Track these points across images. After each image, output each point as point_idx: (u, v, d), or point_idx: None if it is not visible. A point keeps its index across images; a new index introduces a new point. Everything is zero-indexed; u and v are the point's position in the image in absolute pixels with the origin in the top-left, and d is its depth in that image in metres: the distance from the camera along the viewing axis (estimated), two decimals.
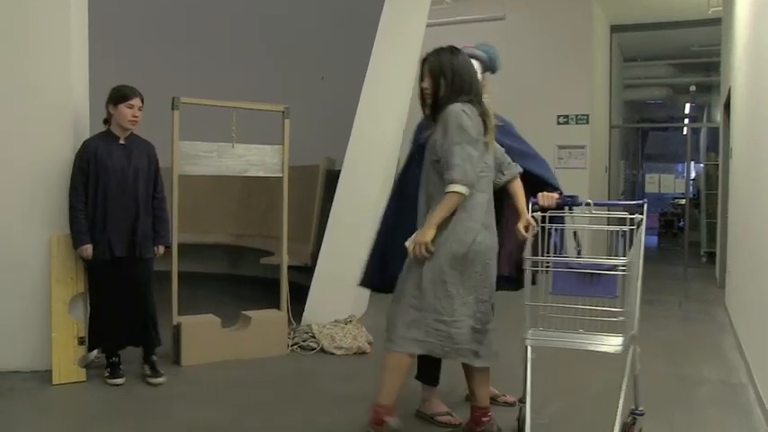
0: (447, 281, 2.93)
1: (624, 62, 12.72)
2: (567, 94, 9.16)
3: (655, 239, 14.78)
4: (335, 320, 5.16)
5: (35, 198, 4.13)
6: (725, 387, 4.18)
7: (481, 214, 2.99)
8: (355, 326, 5.09)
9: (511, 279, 3.51)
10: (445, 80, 3.02)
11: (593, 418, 3.53)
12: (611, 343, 2.89)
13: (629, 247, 2.90)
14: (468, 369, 3.14)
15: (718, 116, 10.03)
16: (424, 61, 3.12)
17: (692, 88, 13.01)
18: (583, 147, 9.16)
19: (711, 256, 10.11)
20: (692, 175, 12.90)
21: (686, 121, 16.92)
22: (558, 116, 9.25)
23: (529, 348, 2.96)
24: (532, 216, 3.10)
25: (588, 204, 3.07)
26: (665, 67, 12.94)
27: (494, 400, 3.69)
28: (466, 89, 3.02)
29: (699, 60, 12.30)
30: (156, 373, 4.07)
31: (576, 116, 9.25)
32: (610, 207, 3.20)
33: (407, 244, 2.97)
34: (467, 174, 2.87)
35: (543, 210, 3.12)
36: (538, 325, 3.01)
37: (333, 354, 4.76)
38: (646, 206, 2.96)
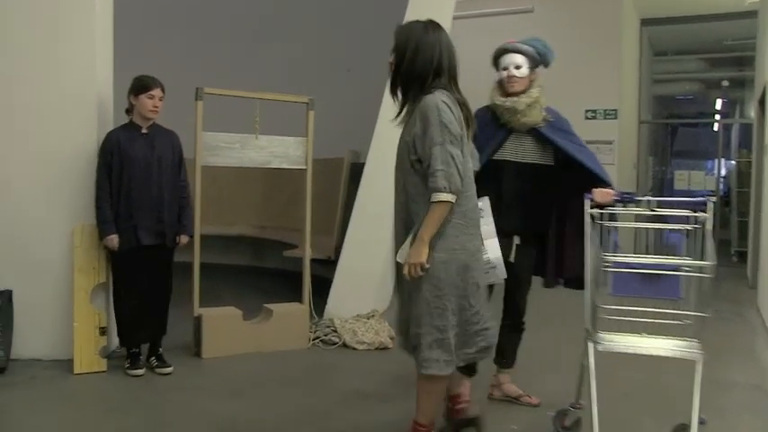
0: (461, 294, 2.69)
1: (654, 56, 12.49)
2: (595, 89, 9.00)
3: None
4: (358, 315, 5.11)
5: (58, 188, 4.14)
6: (758, 391, 4.05)
7: (473, 215, 2.77)
8: (378, 321, 5.04)
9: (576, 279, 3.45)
10: (407, 56, 2.70)
11: (622, 419, 3.44)
12: (689, 348, 2.73)
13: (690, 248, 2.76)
14: None
15: (752, 112, 9.80)
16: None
17: (725, 83, 12.75)
18: (611, 142, 8.99)
19: (742, 255, 9.90)
20: (723, 172, 12.64)
21: (717, 116, 16.61)
22: (586, 111, 9.10)
23: (592, 353, 2.81)
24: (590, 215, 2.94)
25: (649, 202, 2.90)
26: (697, 62, 12.68)
27: (516, 399, 3.62)
28: (433, 72, 2.69)
29: (732, 54, 12.02)
30: (164, 364, 4.07)
31: (605, 111, 9.09)
32: (670, 205, 2.94)
33: (399, 260, 2.70)
34: (452, 179, 2.57)
35: (600, 206, 2.98)
36: (597, 328, 2.84)
37: (354, 349, 4.71)
38: (711, 204, 2.75)
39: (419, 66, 2.70)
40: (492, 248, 3.33)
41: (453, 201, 2.61)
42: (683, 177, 11.88)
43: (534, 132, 3.41)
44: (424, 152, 2.62)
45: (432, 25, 2.77)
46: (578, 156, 3.39)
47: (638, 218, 3.12)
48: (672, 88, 14.09)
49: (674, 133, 19.12)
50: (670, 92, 14.42)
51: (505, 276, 3.39)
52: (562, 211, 3.53)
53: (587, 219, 2.94)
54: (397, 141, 2.85)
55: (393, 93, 2.84)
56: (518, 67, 3.37)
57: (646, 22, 10.60)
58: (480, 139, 3.48)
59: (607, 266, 2.80)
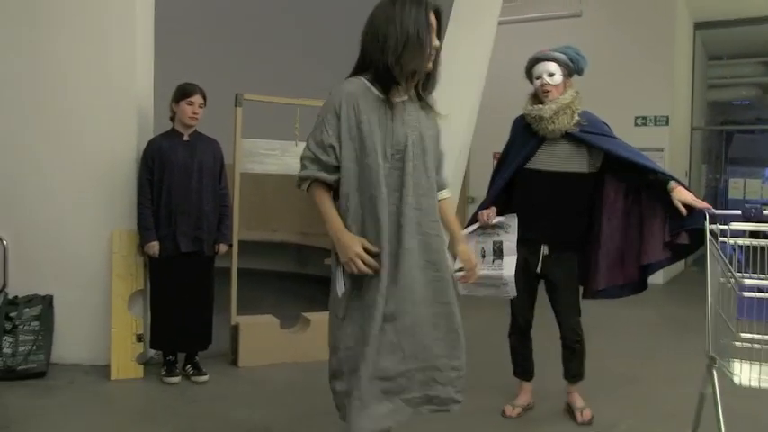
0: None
1: (708, 61, 12.12)
2: (645, 95, 8.75)
3: None
4: None
5: (97, 194, 4.16)
6: None
7: None
8: None
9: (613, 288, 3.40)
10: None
11: None
12: None
13: None
14: None
15: None
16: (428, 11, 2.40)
17: None
18: (662, 150, 8.70)
19: None
20: None
21: None
22: (636, 117, 8.85)
23: (717, 382, 2.57)
24: (710, 231, 2.71)
25: None
26: (754, 66, 12.26)
27: (572, 411, 3.50)
28: None
29: None
30: (199, 372, 4.05)
31: (656, 117, 8.83)
32: None
33: (461, 274, 2.44)
34: None
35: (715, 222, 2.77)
36: (726, 356, 2.60)
37: None
38: None
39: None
40: (508, 265, 3.27)
41: None
42: (738, 186, 11.48)
43: (568, 138, 3.31)
44: (440, 149, 2.52)
45: None
46: (619, 151, 3.26)
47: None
48: (727, 93, 13.67)
49: (730, 140, 18.56)
50: (725, 97, 13.99)
51: (515, 294, 3.30)
52: (596, 219, 3.41)
53: (708, 236, 2.73)
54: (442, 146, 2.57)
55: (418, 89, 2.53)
56: (551, 75, 3.29)
57: (699, 26, 10.28)
58: (514, 147, 3.43)
59: (734, 288, 2.54)
